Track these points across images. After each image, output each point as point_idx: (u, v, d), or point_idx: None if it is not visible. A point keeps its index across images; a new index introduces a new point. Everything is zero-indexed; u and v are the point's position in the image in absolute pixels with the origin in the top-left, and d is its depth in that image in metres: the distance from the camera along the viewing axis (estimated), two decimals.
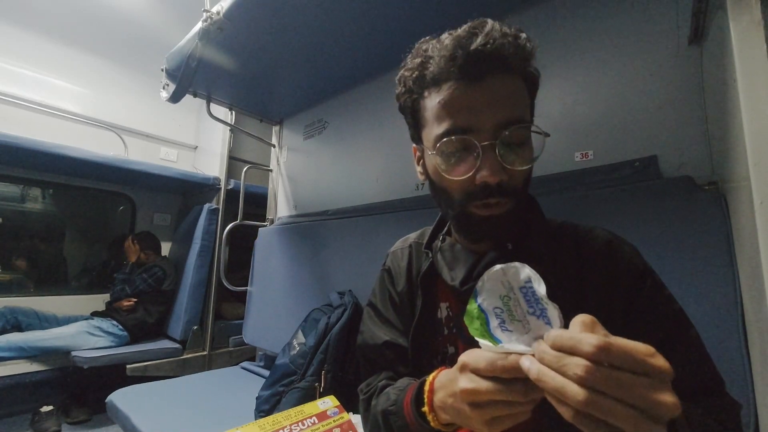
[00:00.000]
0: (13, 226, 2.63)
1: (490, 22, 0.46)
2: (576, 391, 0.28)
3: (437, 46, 0.48)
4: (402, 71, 0.54)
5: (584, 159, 1.06)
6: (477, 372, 0.35)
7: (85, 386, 2.23)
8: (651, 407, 0.27)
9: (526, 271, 0.35)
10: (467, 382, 0.36)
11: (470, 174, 0.47)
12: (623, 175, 0.97)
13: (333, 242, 1.64)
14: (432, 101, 0.49)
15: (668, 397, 0.28)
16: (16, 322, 2.24)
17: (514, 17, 1.23)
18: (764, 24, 0.59)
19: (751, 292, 0.69)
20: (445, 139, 0.48)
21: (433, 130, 0.50)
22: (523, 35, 0.47)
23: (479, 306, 0.37)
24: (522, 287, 0.35)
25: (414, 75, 0.51)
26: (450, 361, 0.57)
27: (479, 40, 0.45)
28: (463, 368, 0.37)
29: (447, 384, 0.43)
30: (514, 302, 0.35)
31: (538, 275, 0.34)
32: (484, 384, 0.34)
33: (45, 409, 2.00)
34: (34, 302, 2.42)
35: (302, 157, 2.09)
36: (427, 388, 0.47)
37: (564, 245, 0.54)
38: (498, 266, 0.36)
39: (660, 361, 0.28)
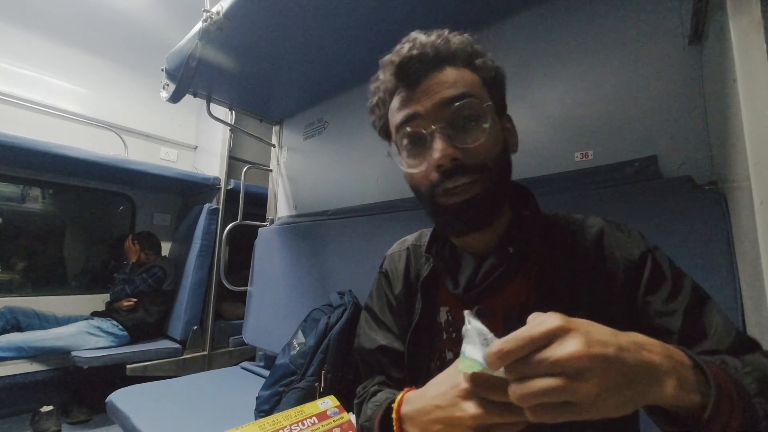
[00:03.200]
0: (13, 226, 2.63)
1: (418, 32, 0.52)
2: (512, 390, 0.31)
3: (383, 66, 0.54)
4: (369, 99, 0.59)
5: (584, 159, 1.06)
6: (489, 397, 0.36)
7: (85, 386, 2.22)
8: (560, 368, 0.28)
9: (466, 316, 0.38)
10: (477, 408, 0.37)
11: (427, 163, 0.49)
12: (623, 175, 0.97)
13: (333, 242, 1.64)
14: (391, 114, 0.54)
15: (565, 349, 0.28)
16: (16, 322, 2.24)
17: (514, 18, 1.23)
18: (764, 24, 0.59)
19: (751, 292, 0.69)
20: (399, 133, 0.52)
21: (394, 134, 0.54)
22: (447, 32, 0.52)
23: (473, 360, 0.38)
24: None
25: (375, 99, 0.57)
26: (448, 366, 0.57)
27: (407, 46, 0.50)
28: (468, 395, 0.37)
29: (431, 410, 0.43)
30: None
31: (469, 315, 0.37)
32: (497, 409, 0.35)
33: (45, 409, 2.00)
34: (34, 302, 2.42)
35: (302, 157, 2.09)
36: (394, 416, 0.47)
37: (558, 239, 0.53)
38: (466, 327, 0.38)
39: (545, 325, 0.30)
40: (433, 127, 0.48)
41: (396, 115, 0.52)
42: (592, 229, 0.53)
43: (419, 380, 0.57)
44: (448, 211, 0.50)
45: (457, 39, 0.52)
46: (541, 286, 0.51)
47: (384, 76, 0.54)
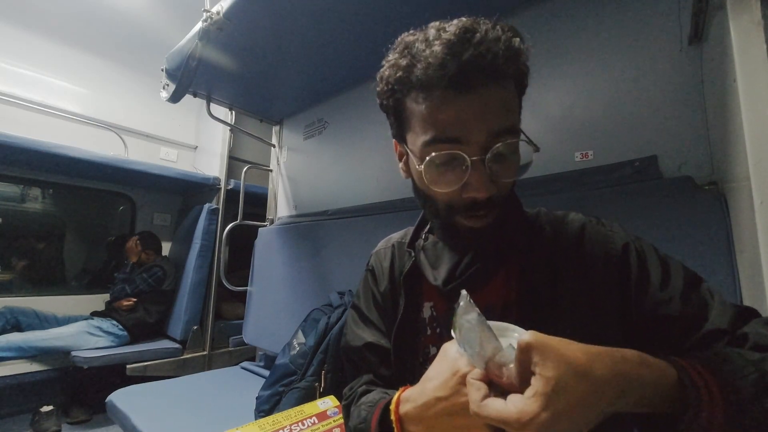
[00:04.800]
0: (13, 226, 2.63)
1: (482, 24, 0.42)
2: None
3: (425, 49, 0.44)
4: (385, 68, 0.50)
5: (584, 159, 1.06)
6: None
7: (85, 386, 2.22)
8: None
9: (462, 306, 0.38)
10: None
11: (457, 187, 0.46)
12: (623, 175, 0.97)
13: (333, 242, 1.64)
14: (418, 105, 0.46)
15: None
16: (16, 322, 2.24)
17: (514, 17, 1.23)
18: (764, 24, 0.59)
19: (751, 292, 0.69)
20: (433, 153, 0.45)
21: (419, 137, 0.47)
22: (517, 39, 0.44)
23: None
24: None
25: (398, 75, 0.47)
26: (431, 361, 0.56)
27: (472, 50, 0.41)
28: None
29: (434, 403, 0.42)
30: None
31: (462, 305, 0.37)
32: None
33: (45, 409, 2.00)
34: (34, 302, 2.42)
35: (302, 157, 2.09)
36: (393, 417, 0.47)
37: (540, 235, 0.53)
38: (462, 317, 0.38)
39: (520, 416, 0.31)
40: (476, 158, 0.44)
41: (435, 123, 0.45)
42: (573, 225, 0.53)
43: (406, 377, 0.57)
44: (463, 232, 0.50)
45: (524, 45, 0.45)
46: (523, 285, 0.51)
47: (425, 61, 0.43)
